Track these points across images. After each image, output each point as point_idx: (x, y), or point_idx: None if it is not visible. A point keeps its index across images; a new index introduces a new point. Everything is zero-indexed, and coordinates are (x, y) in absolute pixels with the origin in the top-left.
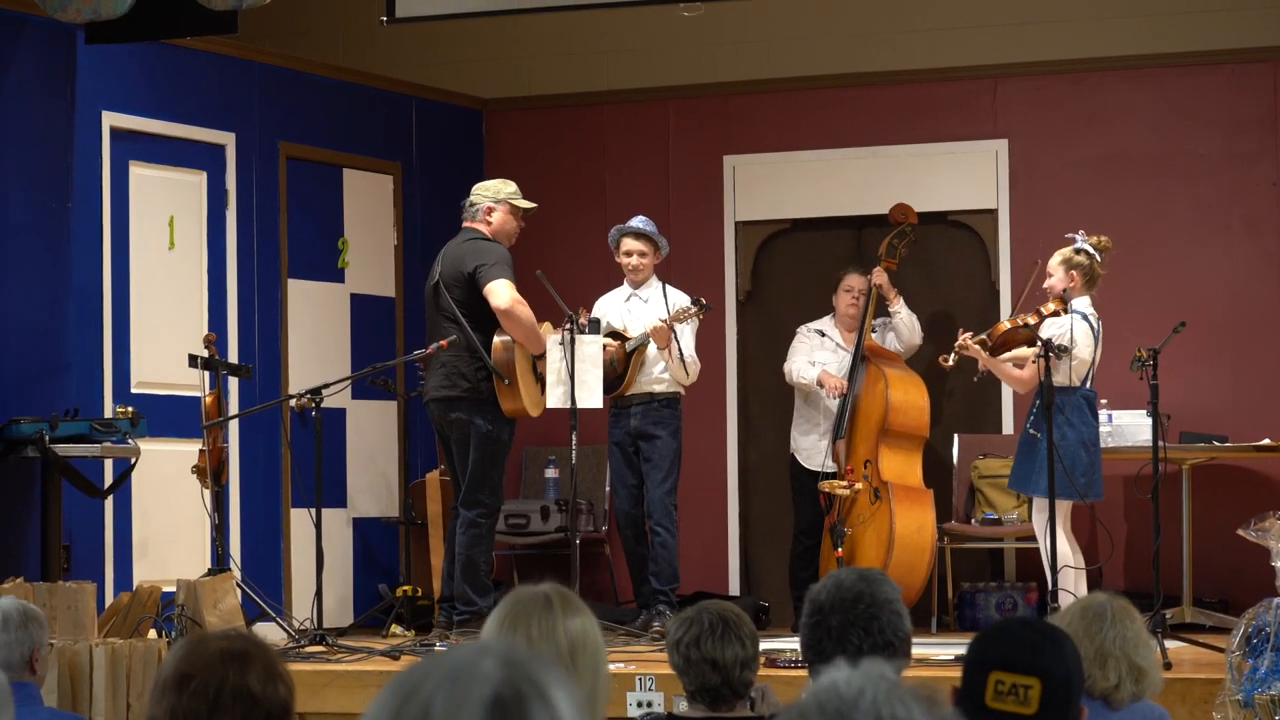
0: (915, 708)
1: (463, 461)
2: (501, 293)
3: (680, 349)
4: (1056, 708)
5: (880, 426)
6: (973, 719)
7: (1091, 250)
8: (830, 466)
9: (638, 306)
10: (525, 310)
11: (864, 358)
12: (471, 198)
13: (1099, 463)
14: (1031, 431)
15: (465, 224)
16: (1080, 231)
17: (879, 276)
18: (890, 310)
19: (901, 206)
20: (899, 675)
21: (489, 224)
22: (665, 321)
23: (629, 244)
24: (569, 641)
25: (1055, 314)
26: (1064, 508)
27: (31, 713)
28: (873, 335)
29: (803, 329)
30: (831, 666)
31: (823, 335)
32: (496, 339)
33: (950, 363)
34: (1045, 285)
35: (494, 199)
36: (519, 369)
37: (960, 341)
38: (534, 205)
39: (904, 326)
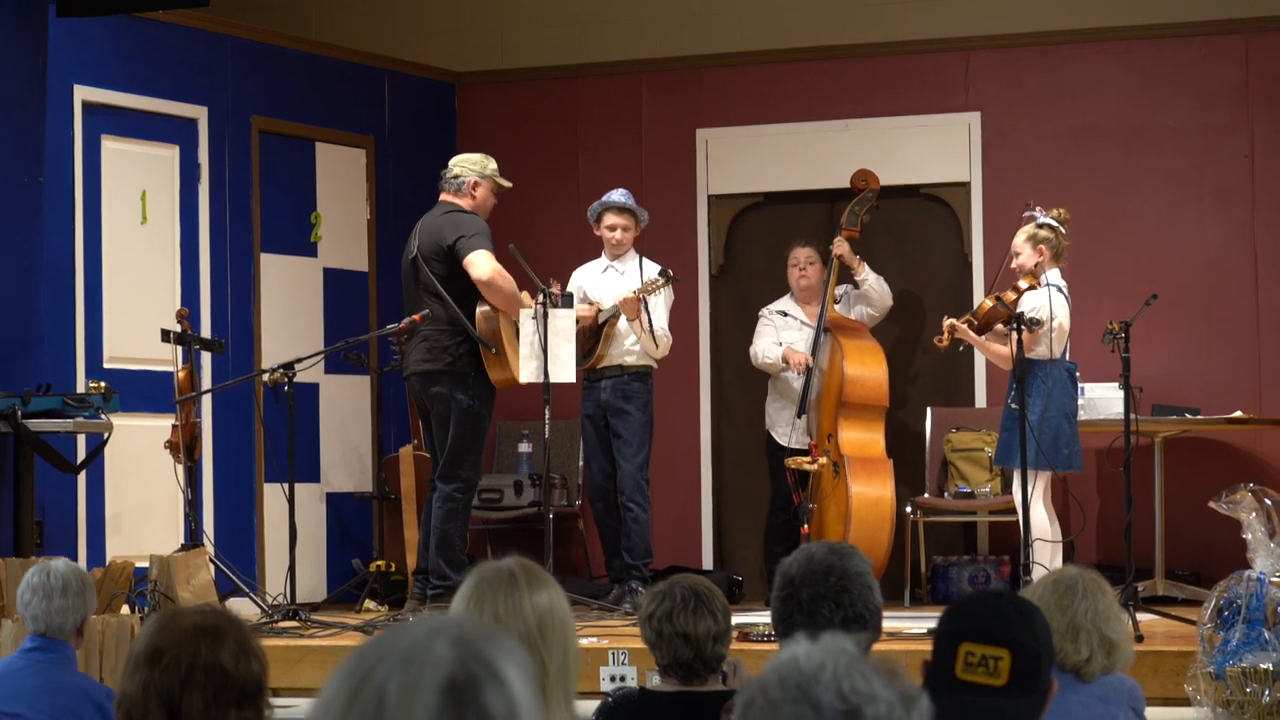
0: (875, 681)
1: (442, 436)
2: (482, 263)
3: (650, 321)
4: (1026, 679)
5: (838, 399)
6: (943, 691)
7: (1054, 223)
8: (803, 442)
9: (614, 278)
10: (507, 280)
11: (826, 329)
12: (454, 170)
13: (1078, 434)
14: (1014, 406)
15: (444, 196)
16: (1038, 206)
17: (840, 246)
18: (856, 279)
19: (863, 172)
20: (865, 649)
21: (473, 199)
22: (635, 293)
23: (611, 219)
24: (536, 616)
25: (1032, 288)
26: (1044, 480)
27: (69, 673)
28: (836, 306)
29: (765, 311)
30: (792, 640)
31: (785, 315)
32: (479, 309)
33: (945, 342)
34: (1014, 265)
35: (480, 174)
36: (505, 337)
37: (949, 323)
38: (511, 185)
39: (874, 292)
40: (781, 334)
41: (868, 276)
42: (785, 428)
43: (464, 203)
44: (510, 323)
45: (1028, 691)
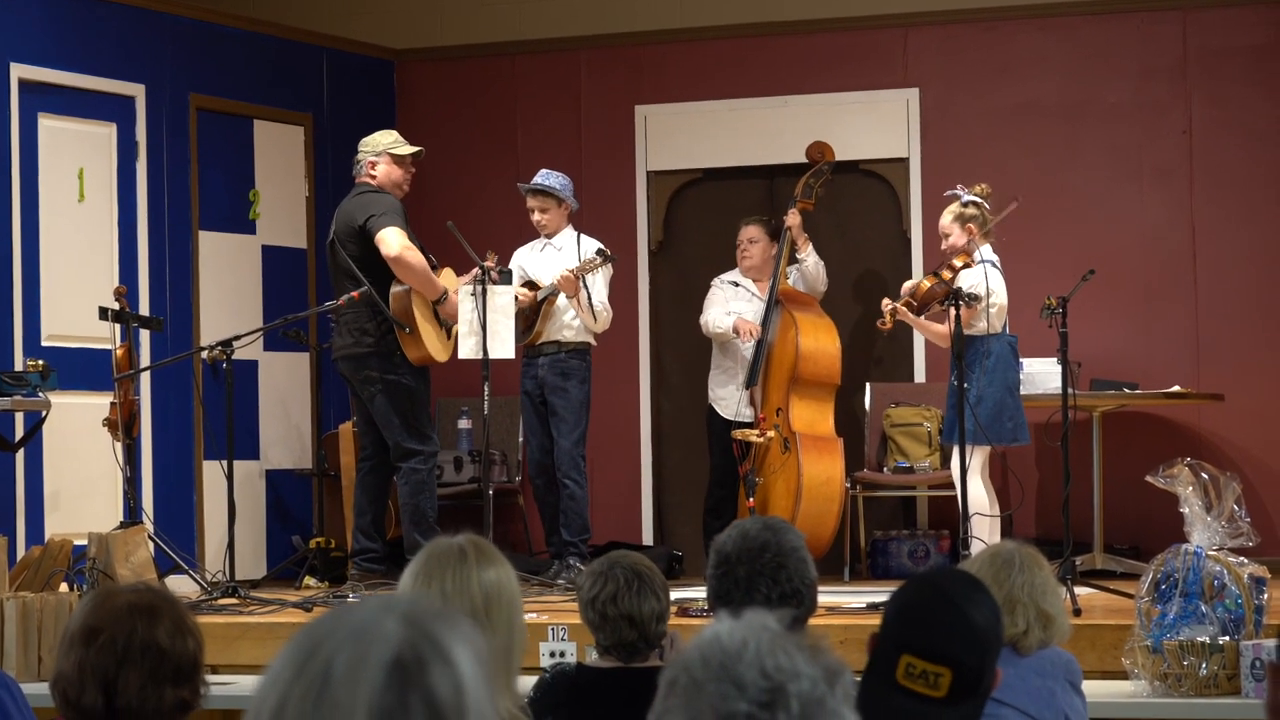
0: (798, 657)
1: (382, 418)
2: (391, 240)
3: (590, 297)
4: (964, 693)
5: (791, 374)
6: (880, 689)
7: (978, 199)
8: (746, 414)
9: (552, 255)
10: (415, 256)
11: (778, 302)
12: (357, 154)
13: (1022, 407)
14: (956, 383)
15: (356, 179)
16: (959, 185)
17: (793, 218)
18: (799, 256)
19: (819, 144)
20: (801, 623)
21: (374, 178)
22: (572, 272)
23: (530, 202)
24: (483, 593)
25: (967, 265)
26: (981, 454)
27: None
28: (787, 279)
29: (717, 281)
30: (717, 618)
31: (736, 286)
32: (393, 289)
33: (888, 325)
34: (946, 246)
35: (374, 153)
36: (418, 316)
37: (890, 306)
38: (418, 150)
39: (811, 273)
40: (731, 304)
41: (809, 257)
42: (728, 400)
43: (371, 182)
44: (424, 302)
45: (965, 700)
